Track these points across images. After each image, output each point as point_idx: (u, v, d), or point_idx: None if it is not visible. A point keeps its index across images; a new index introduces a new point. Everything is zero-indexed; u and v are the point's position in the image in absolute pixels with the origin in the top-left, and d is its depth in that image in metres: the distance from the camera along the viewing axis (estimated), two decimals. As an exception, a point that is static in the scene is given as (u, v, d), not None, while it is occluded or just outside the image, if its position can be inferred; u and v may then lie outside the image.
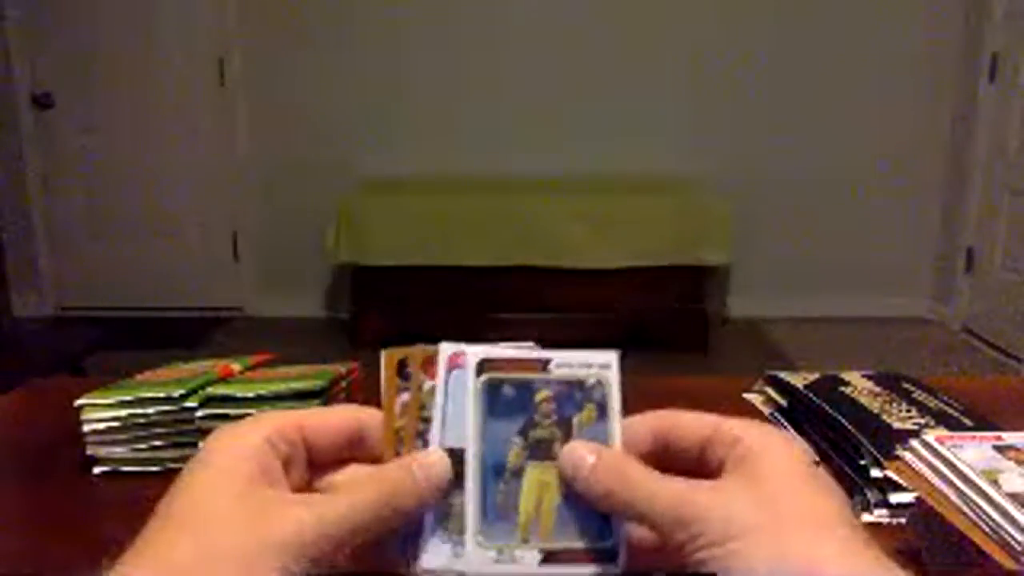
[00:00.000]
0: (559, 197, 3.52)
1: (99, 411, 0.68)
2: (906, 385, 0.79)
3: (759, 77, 3.82)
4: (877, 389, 0.78)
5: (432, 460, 0.36)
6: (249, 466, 0.34)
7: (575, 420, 0.38)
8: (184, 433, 0.68)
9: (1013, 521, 0.52)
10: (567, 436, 0.38)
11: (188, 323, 3.90)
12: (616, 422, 0.38)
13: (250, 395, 0.67)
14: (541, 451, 0.38)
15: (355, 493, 0.34)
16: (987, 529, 0.54)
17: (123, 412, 0.68)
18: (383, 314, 3.43)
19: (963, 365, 3.37)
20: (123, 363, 0.95)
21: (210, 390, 0.69)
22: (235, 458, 0.34)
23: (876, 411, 0.73)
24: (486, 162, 3.87)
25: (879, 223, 3.94)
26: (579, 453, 0.37)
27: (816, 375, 0.82)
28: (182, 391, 0.68)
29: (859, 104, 3.83)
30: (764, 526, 0.32)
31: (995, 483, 0.56)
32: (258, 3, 3.80)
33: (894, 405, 0.74)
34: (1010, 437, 0.63)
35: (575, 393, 0.39)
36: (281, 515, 0.33)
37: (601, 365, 0.39)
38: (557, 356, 0.39)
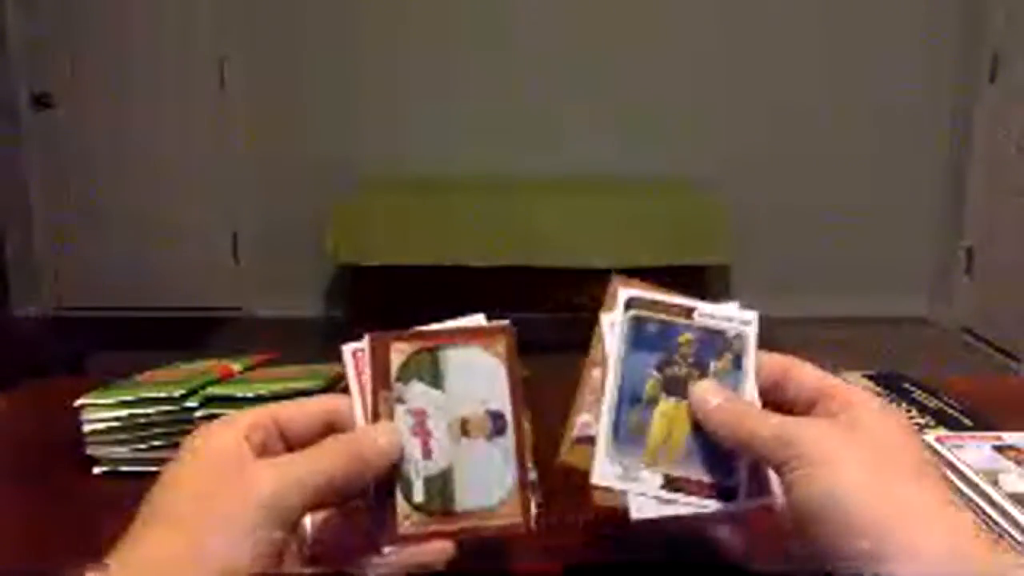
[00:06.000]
0: (559, 197, 3.52)
1: (99, 411, 0.68)
2: (906, 385, 0.79)
3: (759, 77, 3.82)
4: (877, 389, 0.78)
5: (390, 428, 0.40)
6: (225, 460, 0.36)
7: (712, 366, 0.41)
8: (184, 433, 0.68)
9: (1013, 521, 0.53)
10: (702, 378, 0.41)
11: (188, 323, 3.90)
12: (749, 376, 0.41)
13: (250, 395, 0.67)
14: (676, 388, 0.41)
15: (318, 453, 0.37)
16: (987, 529, 0.54)
17: (123, 412, 0.68)
18: (383, 314, 3.43)
19: (963, 365, 3.37)
20: (123, 363, 0.95)
21: (210, 390, 0.69)
22: (211, 455, 0.36)
23: (876, 411, 0.73)
24: (486, 162, 3.87)
25: (879, 223, 3.94)
26: (707, 391, 0.40)
27: (816, 375, 0.81)
28: (182, 391, 0.68)
29: (859, 103, 3.83)
30: (849, 457, 0.35)
31: (995, 483, 0.56)
32: (258, 3, 3.80)
33: (894, 405, 0.74)
34: (1010, 437, 0.63)
35: (716, 341, 0.42)
36: (250, 478, 0.35)
37: (742, 321, 0.42)
38: (702, 306, 0.42)
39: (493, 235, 3.37)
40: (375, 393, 0.40)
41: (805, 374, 0.40)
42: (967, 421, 0.70)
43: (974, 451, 0.60)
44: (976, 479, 0.56)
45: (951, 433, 0.66)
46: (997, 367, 3.35)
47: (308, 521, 0.39)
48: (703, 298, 0.43)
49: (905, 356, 3.44)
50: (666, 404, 0.40)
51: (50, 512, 0.63)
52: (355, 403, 0.41)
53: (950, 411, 0.73)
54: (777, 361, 0.41)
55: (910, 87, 3.81)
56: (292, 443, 0.39)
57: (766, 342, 0.42)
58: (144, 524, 0.34)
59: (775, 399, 0.41)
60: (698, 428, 0.40)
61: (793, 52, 3.79)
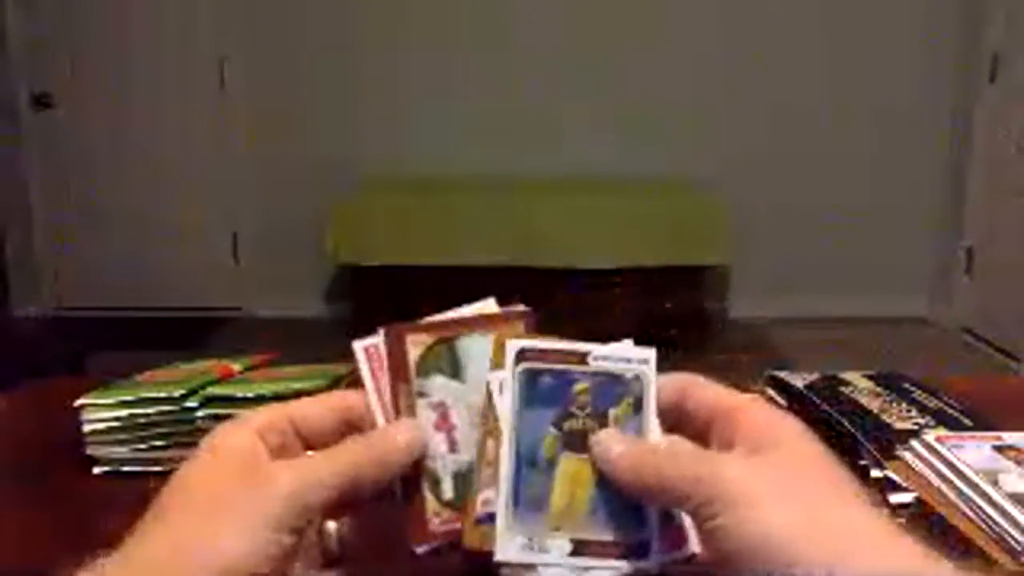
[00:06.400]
0: (559, 197, 3.52)
1: (99, 411, 0.68)
2: (906, 385, 0.79)
3: (759, 77, 3.82)
4: (877, 389, 0.78)
5: (412, 424, 0.38)
6: (241, 459, 0.35)
7: (611, 413, 0.38)
8: (184, 433, 0.68)
9: (1013, 521, 0.53)
10: (602, 428, 0.38)
11: (188, 323, 3.90)
12: (651, 417, 0.39)
13: (250, 395, 0.67)
14: (576, 443, 0.38)
15: (338, 453, 0.36)
16: (987, 529, 0.54)
17: (123, 412, 0.68)
18: (383, 314, 3.42)
19: (963, 365, 3.37)
20: (123, 363, 0.95)
21: (210, 390, 0.69)
22: (227, 454, 0.36)
23: (876, 411, 0.73)
24: (486, 162, 3.87)
25: (879, 223, 3.94)
26: (607, 440, 0.37)
27: (816, 375, 0.82)
28: (182, 391, 0.68)
29: (859, 103, 3.83)
30: (776, 493, 0.32)
31: (995, 483, 0.56)
32: (258, 3, 3.80)
33: (894, 405, 0.74)
34: (1010, 437, 0.63)
35: (613, 387, 0.39)
36: (268, 477, 0.34)
37: (639, 360, 0.39)
38: (596, 349, 0.39)
39: (493, 235, 3.37)
40: (394, 388, 0.39)
41: (703, 392, 0.38)
42: (967, 421, 0.70)
43: (974, 451, 0.60)
44: (976, 479, 0.56)
45: (951, 433, 0.66)
46: (997, 367, 3.34)
47: (332, 524, 0.39)
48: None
49: (905, 356, 3.44)
50: (567, 461, 0.38)
51: (50, 512, 0.63)
52: (371, 400, 0.39)
53: (950, 411, 0.73)
54: (674, 381, 0.39)
55: (910, 87, 3.81)
56: (308, 441, 0.38)
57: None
58: (154, 519, 0.34)
59: (675, 420, 0.39)
60: (603, 483, 0.37)
61: (793, 52, 3.79)
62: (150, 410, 0.68)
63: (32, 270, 4.02)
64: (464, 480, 0.38)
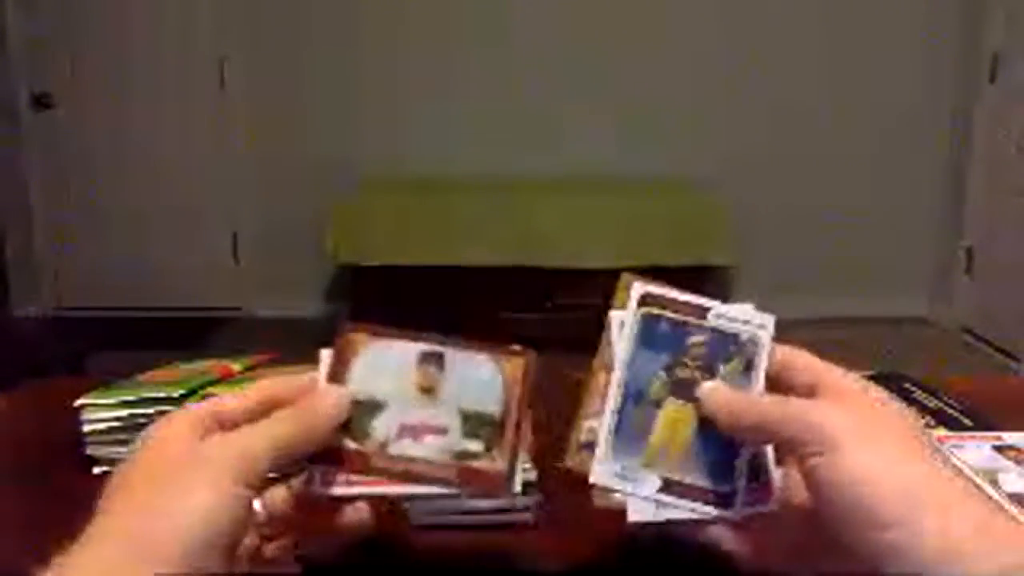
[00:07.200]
0: (559, 197, 3.52)
1: (99, 411, 0.68)
2: (906, 385, 0.79)
3: (759, 77, 3.82)
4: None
5: (333, 392, 0.41)
6: (176, 447, 0.36)
7: (721, 369, 0.40)
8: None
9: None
10: (708, 381, 0.40)
11: (188, 323, 3.90)
12: (760, 381, 0.40)
13: (250, 395, 0.67)
14: (683, 390, 0.40)
15: (277, 426, 0.38)
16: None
17: (124, 412, 0.68)
18: (383, 314, 3.42)
19: (963, 365, 3.37)
20: (123, 363, 0.95)
21: (210, 390, 0.69)
22: (161, 444, 0.37)
23: (876, 411, 0.73)
24: (486, 162, 3.87)
25: (879, 223, 3.94)
26: (713, 389, 0.39)
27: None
28: (182, 391, 0.68)
29: (859, 103, 3.83)
30: (859, 439, 0.35)
31: (995, 483, 0.56)
32: (258, 3, 3.80)
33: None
34: (1010, 437, 0.63)
35: (727, 344, 0.40)
36: (204, 454, 0.35)
37: (758, 324, 0.41)
38: (717, 306, 0.41)
39: (493, 235, 3.37)
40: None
41: (801, 362, 0.40)
42: (967, 421, 0.70)
43: (974, 451, 0.61)
44: (976, 479, 0.56)
45: (951, 433, 0.66)
46: (997, 367, 3.34)
47: (257, 503, 0.39)
48: (711, 298, 0.42)
49: (905, 356, 3.44)
50: (672, 406, 0.39)
51: (50, 512, 0.63)
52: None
53: (950, 411, 0.73)
54: (777, 353, 0.41)
55: (910, 87, 3.81)
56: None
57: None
58: (100, 513, 0.35)
59: (773, 389, 0.40)
60: (702, 432, 0.39)
61: (793, 52, 3.79)
62: (150, 410, 0.68)
63: (32, 270, 4.02)
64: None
